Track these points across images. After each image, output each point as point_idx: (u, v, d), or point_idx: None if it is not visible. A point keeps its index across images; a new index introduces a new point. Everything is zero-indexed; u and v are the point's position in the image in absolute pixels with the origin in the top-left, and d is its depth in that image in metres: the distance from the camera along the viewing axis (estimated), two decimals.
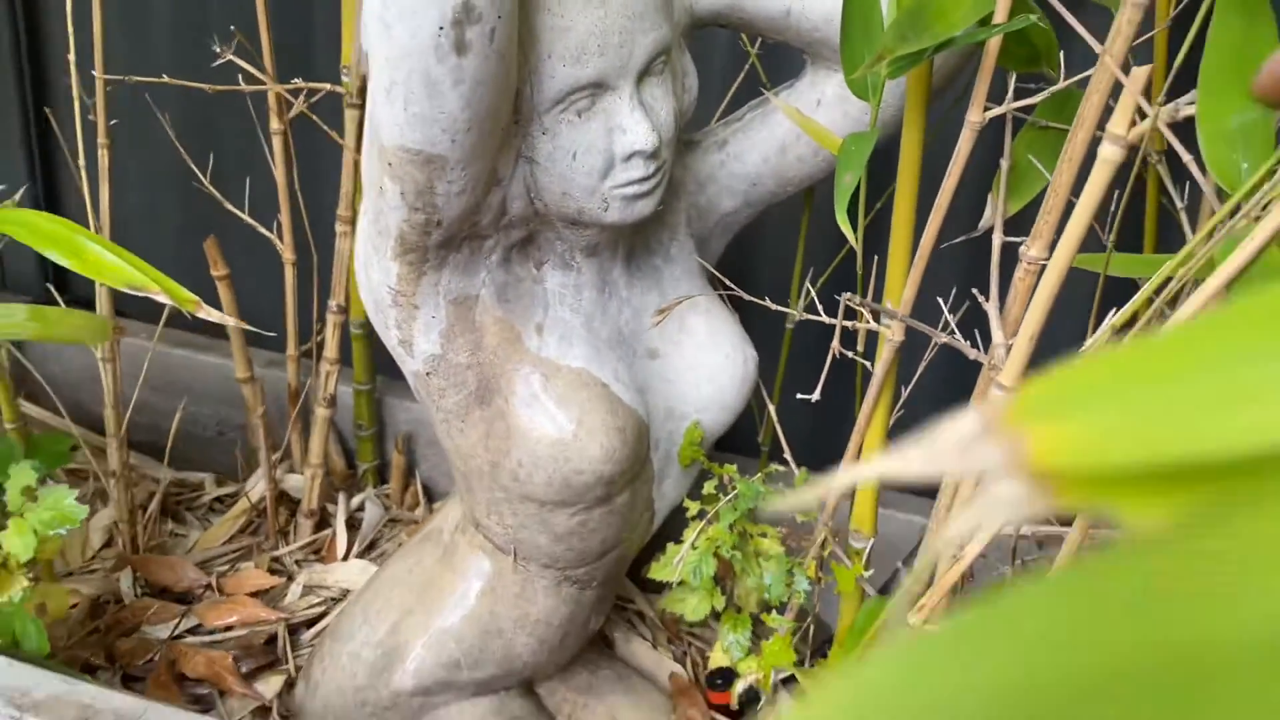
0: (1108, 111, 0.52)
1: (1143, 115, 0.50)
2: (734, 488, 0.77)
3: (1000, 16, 0.55)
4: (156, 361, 1.08)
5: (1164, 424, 0.15)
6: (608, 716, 0.85)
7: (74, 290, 1.19)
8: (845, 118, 0.72)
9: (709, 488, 0.78)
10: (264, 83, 0.87)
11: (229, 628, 0.91)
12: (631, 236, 0.73)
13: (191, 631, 0.90)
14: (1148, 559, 0.12)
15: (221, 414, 1.15)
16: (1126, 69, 0.52)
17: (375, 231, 0.63)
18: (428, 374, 0.69)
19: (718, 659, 0.87)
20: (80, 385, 1.16)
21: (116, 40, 0.93)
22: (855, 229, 0.63)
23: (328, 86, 0.86)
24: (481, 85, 0.53)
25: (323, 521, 1.04)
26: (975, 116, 0.61)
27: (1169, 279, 0.53)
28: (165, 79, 0.86)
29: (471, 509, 0.75)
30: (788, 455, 0.80)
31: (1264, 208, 0.48)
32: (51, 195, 1.26)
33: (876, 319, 0.70)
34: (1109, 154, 0.51)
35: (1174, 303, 0.56)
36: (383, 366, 1.05)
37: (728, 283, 0.75)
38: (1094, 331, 0.56)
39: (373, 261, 0.65)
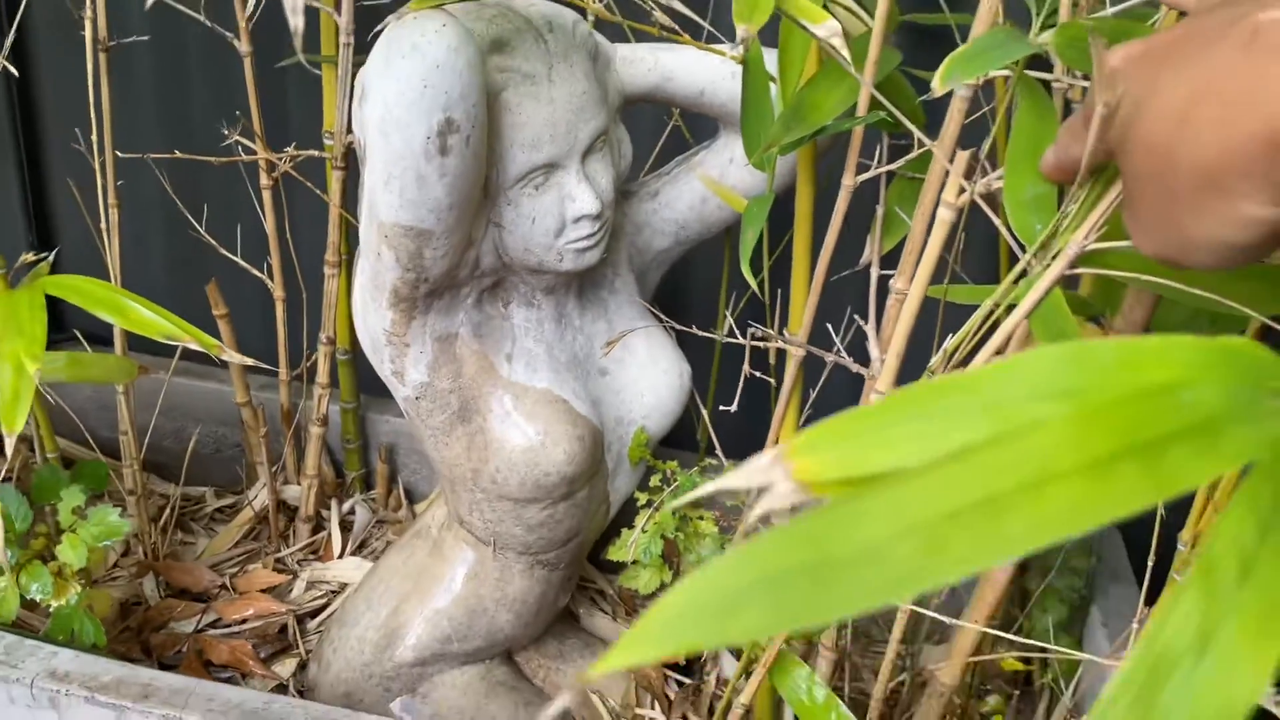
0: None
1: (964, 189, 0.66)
2: (675, 480, 0.93)
3: (862, 109, 0.71)
4: (159, 387, 1.20)
5: (859, 455, 0.30)
6: (576, 676, 1.00)
7: (72, 321, 1.31)
8: (753, 175, 0.88)
9: (655, 481, 0.94)
10: (258, 151, 1.00)
11: (244, 620, 1.04)
12: (582, 276, 0.88)
13: (212, 625, 1.04)
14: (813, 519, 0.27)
15: (218, 433, 1.28)
16: (964, 145, 0.68)
17: (373, 287, 0.77)
18: (417, 399, 0.83)
19: None
20: (87, 411, 1.28)
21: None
22: (761, 268, 0.79)
23: (314, 153, 1.00)
24: (460, 177, 0.68)
25: (318, 525, 1.17)
26: (848, 181, 0.77)
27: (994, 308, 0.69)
28: (177, 154, 1.00)
29: (455, 508, 0.90)
30: (718, 450, 0.95)
31: (1051, 257, 0.64)
32: (46, 248, 1.38)
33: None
34: (945, 216, 0.68)
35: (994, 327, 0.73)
36: (365, 386, 1.19)
37: (661, 316, 0.90)
38: (937, 349, 0.72)
39: (370, 310, 0.79)
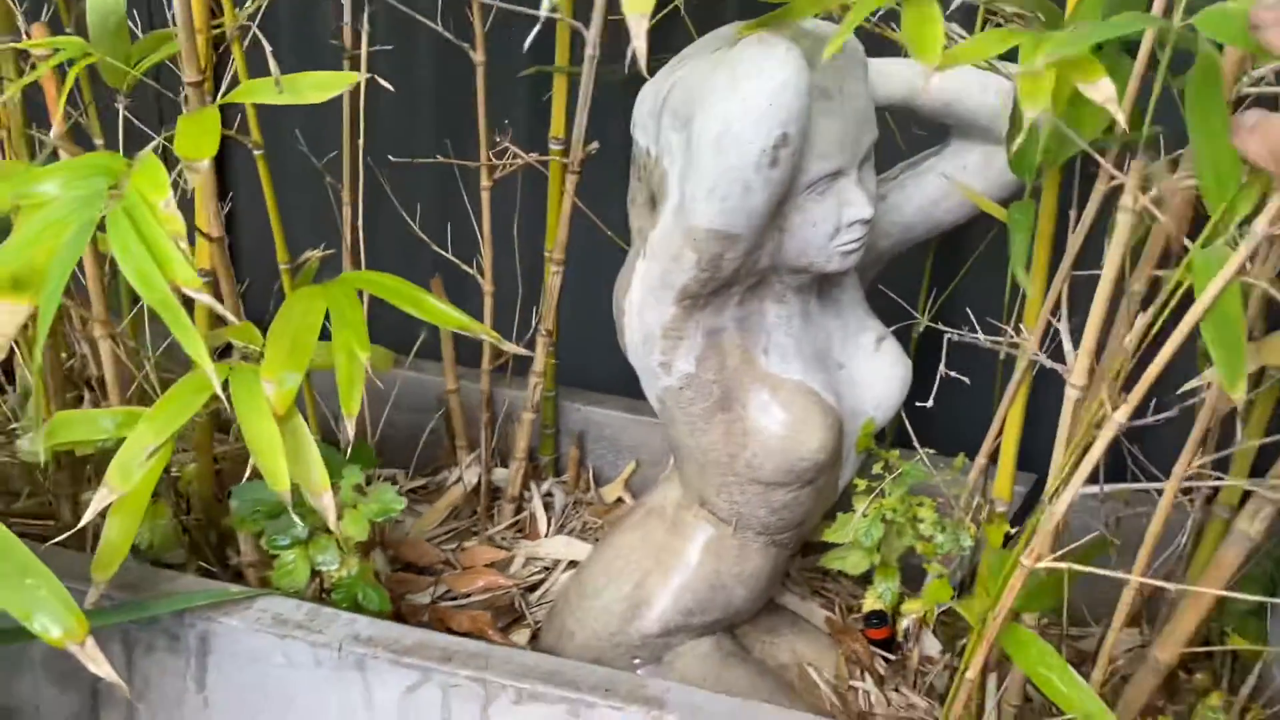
0: None
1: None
2: (896, 469, 0.99)
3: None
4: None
5: None
6: (789, 650, 1.07)
7: None
8: (984, 180, 0.94)
9: (877, 468, 1.00)
10: (494, 155, 1.07)
11: (469, 594, 1.12)
12: (824, 274, 0.94)
13: (441, 598, 1.11)
14: None
15: (413, 420, 1.35)
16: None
17: (660, 285, 0.84)
18: (681, 388, 0.90)
19: (871, 603, 1.08)
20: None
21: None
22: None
23: (541, 156, 1.07)
24: (779, 186, 0.74)
25: (518, 507, 1.24)
26: (1102, 185, 0.83)
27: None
28: (438, 159, 1.07)
29: (700, 490, 0.97)
30: (917, 446, 1.01)
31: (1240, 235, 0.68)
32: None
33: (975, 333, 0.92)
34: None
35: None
36: (561, 377, 1.26)
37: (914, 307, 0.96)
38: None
39: (650, 306, 0.86)
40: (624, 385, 1.36)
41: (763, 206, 0.75)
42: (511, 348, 0.91)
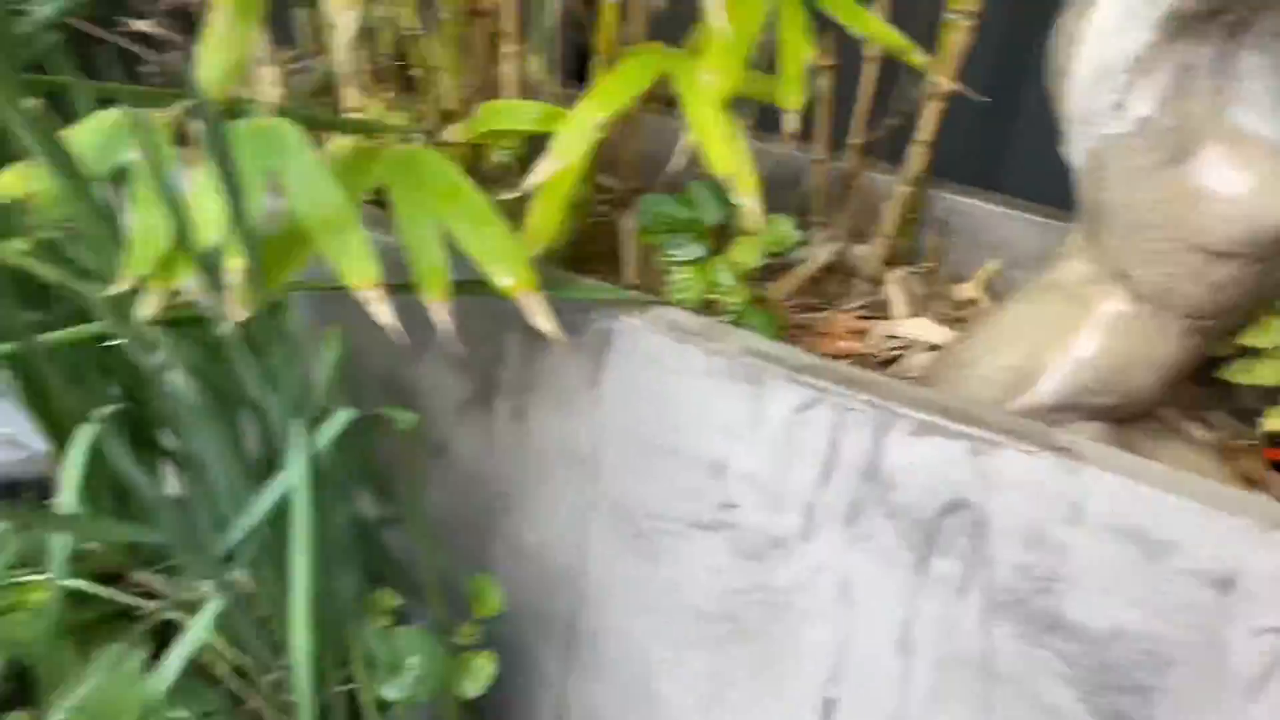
0: None
1: None
2: None
3: None
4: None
5: None
6: (1173, 457, 0.98)
7: None
8: None
9: None
10: None
11: (824, 356, 1.10)
12: None
13: None
14: None
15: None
16: None
17: (1141, 3, 0.75)
18: (1130, 135, 0.81)
19: (1275, 422, 0.98)
20: None
21: None
22: None
23: None
24: None
25: (872, 289, 1.21)
26: None
27: None
28: None
29: (1122, 260, 0.89)
30: None
31: None
32: None
33: None
34: None
35: None
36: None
37: None
38: None
39: (1121, 30, 0.77)
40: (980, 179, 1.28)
41: None
42: (946, 82, 0.85)
